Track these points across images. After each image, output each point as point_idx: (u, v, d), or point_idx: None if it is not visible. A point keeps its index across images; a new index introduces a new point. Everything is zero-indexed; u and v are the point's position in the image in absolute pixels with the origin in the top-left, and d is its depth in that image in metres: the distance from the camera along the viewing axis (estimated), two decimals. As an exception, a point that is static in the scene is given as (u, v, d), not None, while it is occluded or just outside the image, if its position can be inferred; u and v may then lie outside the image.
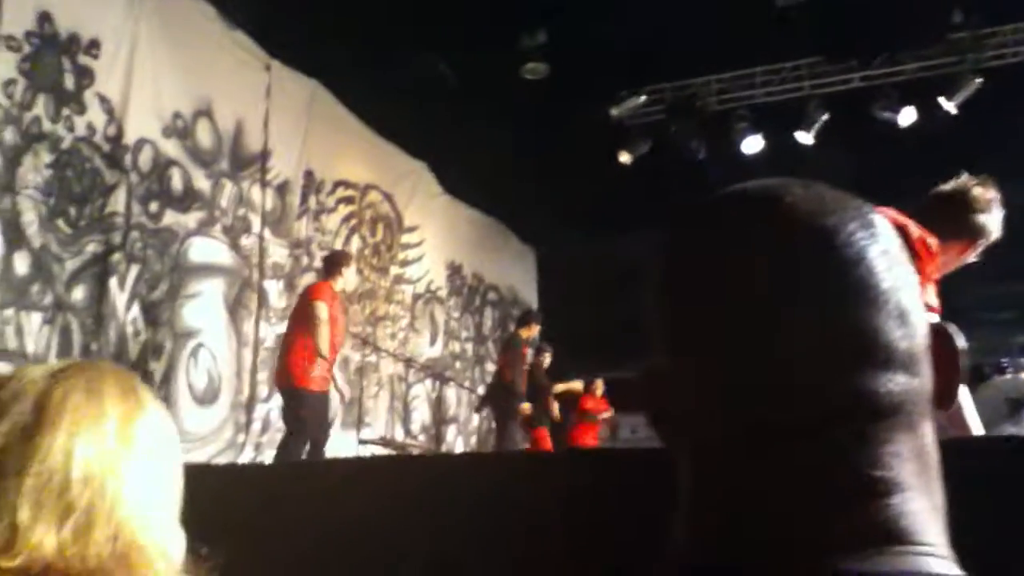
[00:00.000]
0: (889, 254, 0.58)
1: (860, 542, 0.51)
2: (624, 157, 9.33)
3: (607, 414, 9.95)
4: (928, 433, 0.57)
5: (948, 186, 2.95)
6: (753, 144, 8.86)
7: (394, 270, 9.58)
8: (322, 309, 5.73)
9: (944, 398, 0.59)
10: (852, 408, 0.54)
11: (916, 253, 2.93)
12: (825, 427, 0.54)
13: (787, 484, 0.54)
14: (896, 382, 0.55)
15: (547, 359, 8.79)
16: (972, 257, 2.95)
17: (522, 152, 9.23)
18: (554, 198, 10.19)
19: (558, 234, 11.49)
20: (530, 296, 12.52)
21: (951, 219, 2.87)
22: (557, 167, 9.44)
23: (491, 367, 10.47)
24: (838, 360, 0.54)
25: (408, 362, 9.17)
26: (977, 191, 2.89)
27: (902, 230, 2.98)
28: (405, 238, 9.81)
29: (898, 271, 0.58)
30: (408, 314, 9.78)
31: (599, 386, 9.94)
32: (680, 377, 0.59)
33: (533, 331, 8.32)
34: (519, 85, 8.32)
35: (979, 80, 7.75)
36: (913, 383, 0.56)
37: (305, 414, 5.80)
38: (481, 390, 10.39)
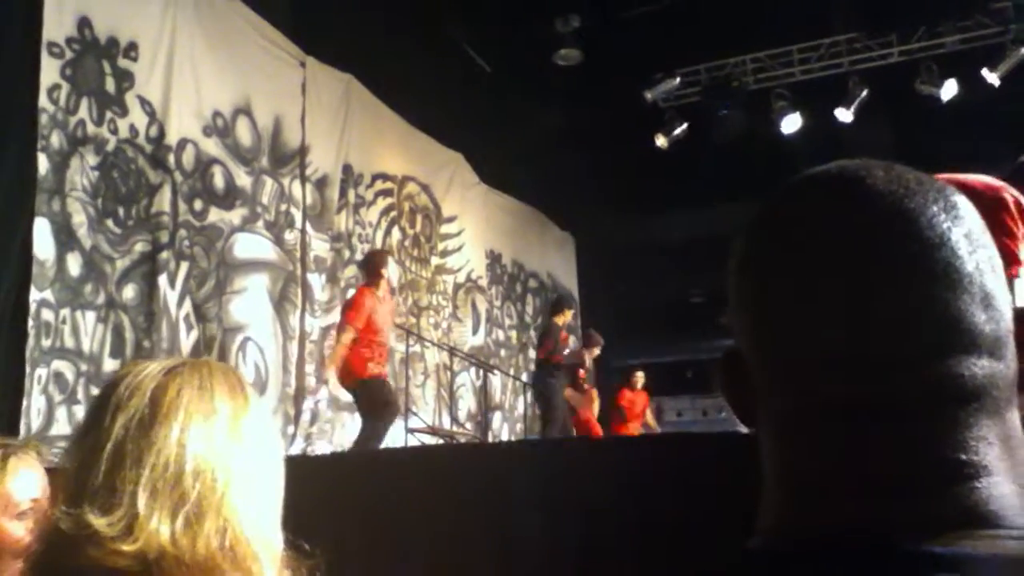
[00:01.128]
0: (972, 237, 0.57)
1: (948, 525, 0.51)
2: (660, 140, 9.28)
3: (648, 412, 9.73)
4: (1014, 417, 0.56)
5: None
6: (792, 123, 8.75)
7: (435, 260, 9.63)
8: (344, 329, 6.01)
9: None
10: (936, 391, 0.54)
11: (1013, 215, 2.93)
12: (909, 409, 0.54)
13: (871, 465, 0.54)
14: (980, 366, 0.54)
15: (596, 351, 8.79)
16: None
17: (558, 139, 9.22)
18: (592, 183, 10.17)
19: (597, 219, 11.46)
20: (570, 282, 12.52)
21: None
22: (593, 152, 9.42)
23: (534, 354, 10.51)
24: (920, 343, 0.54)
25: (452, 351, 9.23)
26: None
27: (996, 194, 2.96)
28: (444, 228, 9.86)
29: (981, 254, 0.57)
30: (450, 304, 9.84)
31: (639, 378, 9.75)
32: (760, 353, 0.60)
33: (567, 316, 8.27)
34: (553, 71, 8.31)
35: (1023, 50, 7.59)
36: (998, 367, 0.55)
37: (366, 401, 6.08)
38: (525, 377, 10.42)
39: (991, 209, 2.85)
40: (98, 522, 0.83)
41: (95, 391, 5.16)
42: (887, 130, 8.30)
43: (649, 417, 9.76)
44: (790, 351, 0.58)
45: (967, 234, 0.57)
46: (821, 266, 0.57)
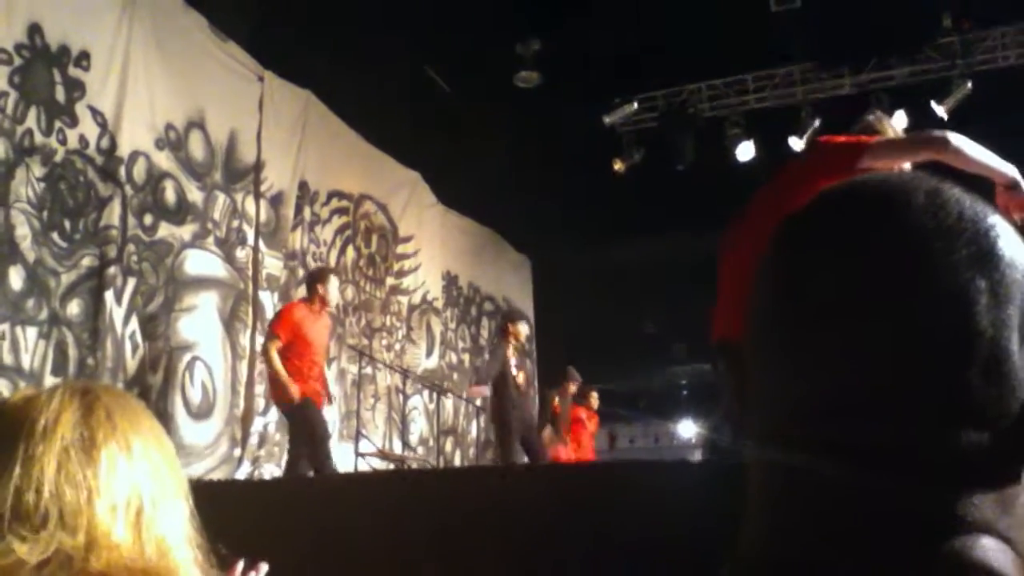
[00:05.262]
0: (1000, 290, 0.52)
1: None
2: (617, 165, 9.35)
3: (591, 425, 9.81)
4: (1018, 493, 0.53)
5: None
6: (746, 151, 8.87)
7: (389, 281, 9.55)
8: (270, 338, 6.06)
9: None
10: (926, 455, 0.51)
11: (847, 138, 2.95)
12: (895, 464, 0.51)
13: (848, 513, 0.52)
14: (972, 435, 0.51)
15: (572, 387, 8.82)
16: None
17: (516, 161, 9.24)
18: (549, 206, 10.19)
19: (554, 242, 11.49)
20: (526, 306, 12.51)
21: None
22: (551, 175, 9.45)
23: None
24: (910, 405, 0.51)
25: (405, 373, 9.14)
26: None
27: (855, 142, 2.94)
28: (400, 249, 9.79)
29: (1000, 312, 0.51)
30: (404, 325, 9.75)
31: (594, 399, 9.83)
32: (766, 375, 0.57)
33: (518, 334, 8.01)
34: (513, 94, 8.33)
35: (970, 84, 7.79)
36: (993, 435, 0.51)
37: (299, 425, 6.01)
38: (479, 402, 10.36)
39: (820, 149, 2.92)
40: (68, 543, 0.88)
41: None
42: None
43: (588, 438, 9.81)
44: (784, 380, 0.55)
45: (994, 286, 0.51)
46: (823, 308, 0.53)
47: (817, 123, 8.33)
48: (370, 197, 9.25)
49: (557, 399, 8.82)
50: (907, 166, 2.83)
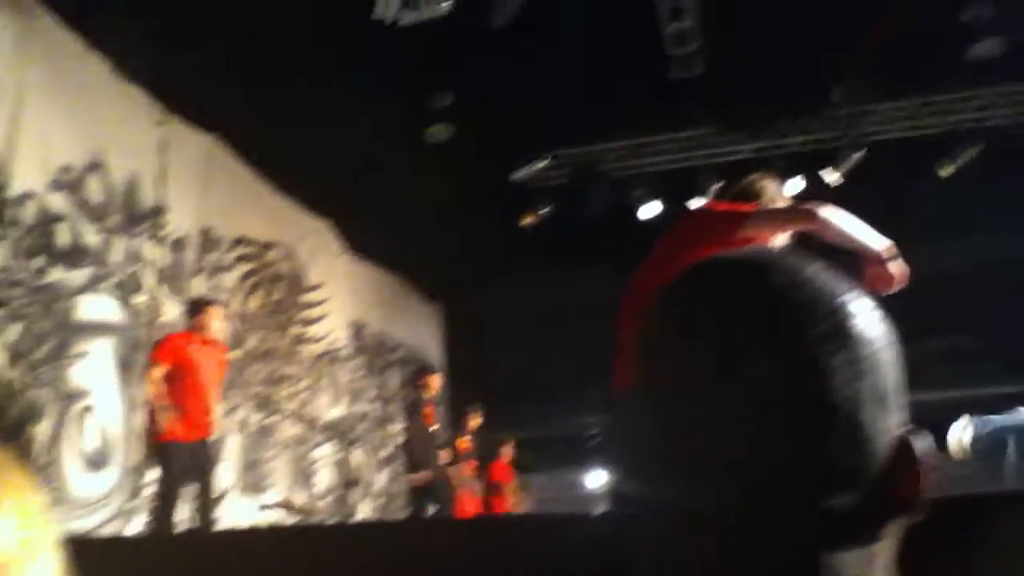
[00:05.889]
0: (859, 363, 0.55)
1: None
2: (527, 219, 9.48)
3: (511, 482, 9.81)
4: (882, 550, 0.56)
5: None
6: (651, 210, 9.11)
7: (295, 330, 9.42)
8: (149, 364, 6.02)
9: (909, 511, 0.56)
10: (794, 520, 0.53)
11: (741, 209, 2.97)
12: (761, 526, 0.53)
13: (725, 571, 0.53)
14: (841, 500, 0.53)
15: (474, 420, 8.81)
16: None
17: (427, 210, 9.28)
18: (460, 255, 10.25)
19: (464, 292, 11.52)
20: (435, 355, 12.47)
21: None
22: (461, 225, 9.51)
23: (395, 428, 10.35)
24: (774, 472, 0.53)
25: (310, 423, 8.99)
26: None
27: (733, 214, 2.96)
28: (307, 297, 9.68)
29: (860, 384, 0.54)
30: (310, 375, 9.61)
31: (507, 453, 9.81)
32: (634, 433, 0.59)
33: (431, 388, 8.19)
34: (425, 144, 8.40)
35: (858, 153, 8.19)
36: (856, 499, 0.54)
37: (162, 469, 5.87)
38: (383, 453, 10.25)
39: (703, 217, 2.94)
40: None
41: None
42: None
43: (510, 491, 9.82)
44: (650, 451, 0.57)
45: (849, 361, 0.54)
46: (684, 376, 0.55)
47: (718, 186, 8.61)
48: (277, 244, 9.16)
49: (467, 437, 8.82)
50: (784, 236, 2.95)
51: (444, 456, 8.15)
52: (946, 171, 8.08)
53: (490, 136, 8.66)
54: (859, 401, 0.54)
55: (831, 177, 8.26)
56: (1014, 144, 7.89)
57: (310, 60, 7.15)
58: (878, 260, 2.74)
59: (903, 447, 0.56)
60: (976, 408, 6.59)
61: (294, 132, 7.77)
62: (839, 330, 0.55)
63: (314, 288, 9.75)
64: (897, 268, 2.73)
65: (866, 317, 0.56)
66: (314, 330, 9.74)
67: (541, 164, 9.22)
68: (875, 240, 2.77)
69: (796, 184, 8.52)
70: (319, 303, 9.84)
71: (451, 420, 11.14)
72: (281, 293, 9.21)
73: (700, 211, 3.14)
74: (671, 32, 7.11)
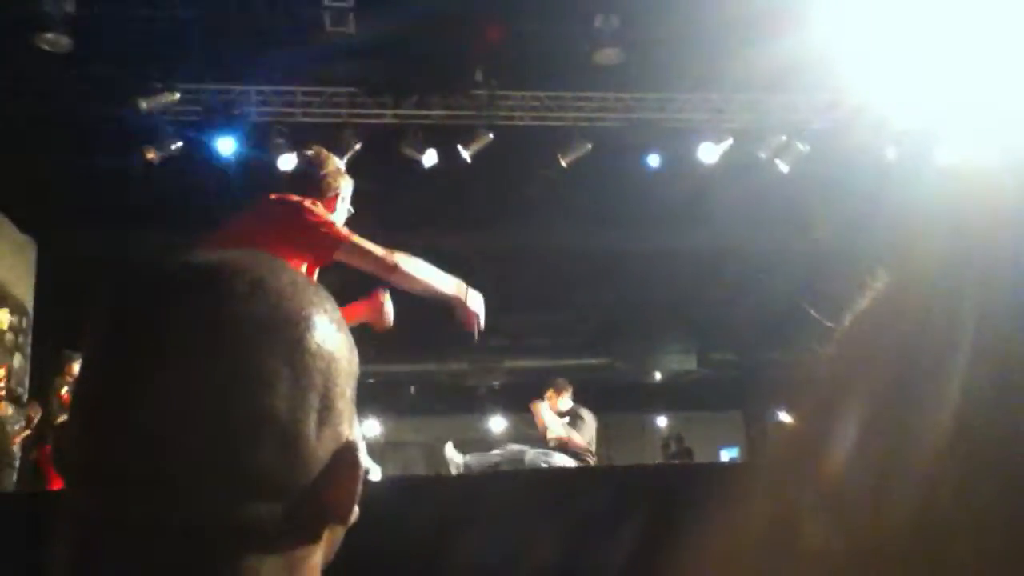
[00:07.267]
0: (300, 377, 0.56)
1: None
2: (151, 154, 8.72)
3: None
4: (308, 554, 0.57)
5: None
6: (287, 161, 8.84)
7: None
8: None
9: (341, 519, 0.59)
10: (209, 528, 0.53)
11: (313, 209, 3.01)
12: (177, 538, 0.52)
13: None
14: (268, 508, 0.54)
15: (75, 368, 7.85)
16: None
17: (34, 133, 8.16)
18: (65, 187, 9.15)
19: (68, 229, 10.32)
20: (25, 293, 11.06)
21: None
22: (73, 155, 8.51)
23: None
24: (193, 479, 0.53)
25: None
26: None
27: (294, 205, 2.98)
28: None
29: (299, 397, 0.55)
30: None
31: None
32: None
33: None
34: (37, 56, 7.34)
35: (491, 135, 8.68)
36: (292, 508, 0.55)
37: None
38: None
39: (295, 217, 2.94)
40: None
41: None
42: (375, 185, 8.83)
43: None
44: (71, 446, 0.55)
45: (297, 374, 0.56)
46: (105, 371, 0.55)
47: (358, 146, 8.63)
48: None
49: (65, 388, 7.89)
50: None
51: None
52: (565, 161, 8.88)
53: (115, 59, 7.83)
54: (303, 412, 0.55)
55: (465, 154, 8.68)
56: (619, 144, 8.93)
57: None
58: (458, 303, 2.96)
59: (346, 456, 0.58)
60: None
61: None
62: (292, 343, 0.56)
63: None
64: (474, 304, 2.98)
65: (320, 334, 0.58)
66: None
67: (172, 97, 8.50)
68: (448, 285, 2.97)
69: (432, 156, 8.83)
70: None
71: (37, 364, 10.04)
72: None
73: (283, 201, 3.05)
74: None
